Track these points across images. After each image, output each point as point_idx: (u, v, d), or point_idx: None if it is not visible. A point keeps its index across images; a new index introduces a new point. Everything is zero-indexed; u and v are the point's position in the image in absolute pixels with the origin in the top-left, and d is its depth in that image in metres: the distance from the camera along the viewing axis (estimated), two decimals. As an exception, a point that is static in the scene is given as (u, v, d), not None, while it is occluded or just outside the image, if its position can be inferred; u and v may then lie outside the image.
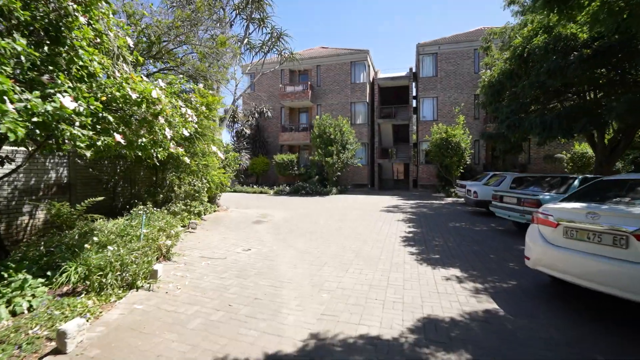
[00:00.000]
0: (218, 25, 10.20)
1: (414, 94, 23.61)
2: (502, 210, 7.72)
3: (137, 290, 3.88)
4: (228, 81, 8.77)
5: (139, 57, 4.78)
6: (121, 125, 3.90)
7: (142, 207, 6.52)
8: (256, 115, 23.33)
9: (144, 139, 4.01)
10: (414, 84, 23.41)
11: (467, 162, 17.43)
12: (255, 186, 21.46)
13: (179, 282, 4.27)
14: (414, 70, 24.07)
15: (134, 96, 3.83)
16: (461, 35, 22.14)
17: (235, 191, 20.82)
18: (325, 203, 14.56)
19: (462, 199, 15.76)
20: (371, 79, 24.58)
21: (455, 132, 16.79)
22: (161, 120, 4.36)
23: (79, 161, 6.94)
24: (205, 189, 7.53)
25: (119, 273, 3.78)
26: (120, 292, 3.71)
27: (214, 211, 10.78)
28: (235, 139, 22.11)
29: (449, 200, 15.97)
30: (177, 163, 7.41)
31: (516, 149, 11.93)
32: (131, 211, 6.38)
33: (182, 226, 7.58)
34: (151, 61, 7.70)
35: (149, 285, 3.95)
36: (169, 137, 4.26)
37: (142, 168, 8.16)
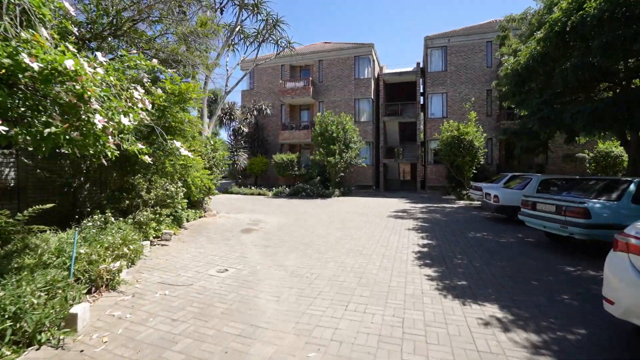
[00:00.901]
0: (205, 9, 9.03)
1: (422, 90, 22.28)
2: (536, 220, 6.43)
3: (37, 349, 2.67)
4: (210, 69, 7.58)
5: (69, 26, 3.59)
6: (16, 108, 2.70)
7: (98, 216, 5.33)
8: (255, 112, 22.16)
9: (53, 129, 2.81)
10: (421, 80, 22.07)
11: (481, 162, 16.07)
12: (253, 187, 20.30)
13: (110, 330, 3.06)
14: (421, 66, 22.76)
15: (34, 66, 2.63)
16: (472, 27, 20.77)
17: (231, 193, 19.69)
18: (326, 207, 13.33)
19: (477, 203, 14.45)
20: (376, 75, 23.30)
21: (468, 130, 15.45)
22: (94, 104, 3.17)
23: (25, 160, 5.78)
24: (182, 193, 6.34)
25: (10, 323, 2.57)
26: (9, 353, 2.50)
27: (200, 217, 9.60)
28: (232, 137, 20.97)
29: (461, 203, 14.65)
30: (146, 163, 6.23)
31: (541, 147, 10.61)
32: (83, 221, 5.19)
33: (154, 237, 6.40)
34: (116, 41, 6.55)
35: (58, 339, 2.74)
36: (99, 125, 3.05)
37: (115, 169, 7.00)
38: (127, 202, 6.15)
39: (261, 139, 23.31)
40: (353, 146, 18.32)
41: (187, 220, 8.85)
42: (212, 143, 9.72)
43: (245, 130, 21.17)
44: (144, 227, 5.84)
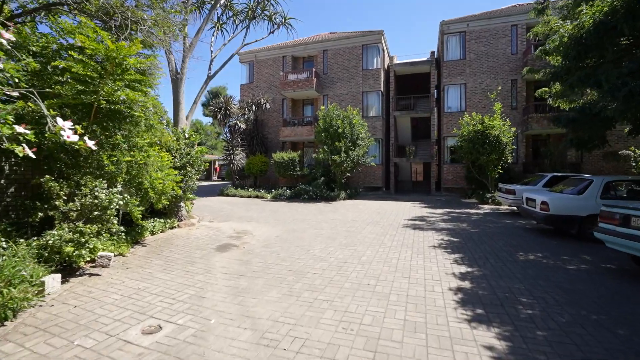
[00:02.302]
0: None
1: (437, 82, 20.17)
2: (628, 242, 4.40)
3: None
4: (169, 32, 5.73)
5: None
6: None
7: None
8: (254, 107, 20.35)
9: None
10: (435, 71, 19.96)
11: (509, 161, 13.96)
12: (250, 189, 18.49)
13: None
14: (436, 55, 20.68)
15: None
16: (494, 11, 18.62)
17: (227, 195, 17.91)
18: (329, 212, 11.40)
19: (504, 208, 12.34)
20: (386, 66, 21.27)
21: (494, 123, 13.37)
22: None
23: None
24: (119, 202, 4.50)
25: None
26: None
27: (172, 227, 7.77)
28: (229, 134, 19.19)
29: (486, 208, 12.57)
30: (64, 157, 4.41)
31: (599, 139, 8.50)
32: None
33: (85, 262, 4.56)
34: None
35: None
36: None
37: (29, 166, 5.18)
38: (41, 214, 4.32)
39: (260, 136, 21.49)
40: (361, 143, 16.36)
41: (153, 233, 7.03)
42: (187, 136, 7.88)
43: (243, 126, 19.36)
44: (56, 252, 4.00)
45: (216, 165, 45.31)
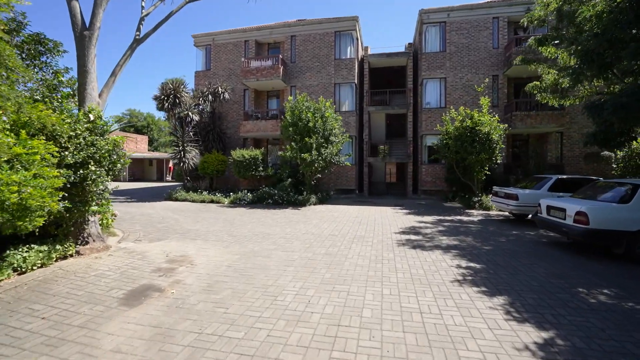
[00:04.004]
0: None
1: (414, 76, 18.72)
2: None
3: None
4: None
5: None
6: None
7: None
8: (210, 97, 17.50)
9: None
10: (412, 65, 18.50)
11: (499, 161, 12.67)
12: (205, 192, 15.72)
13: None
14: (414, 47, 19.24)
15: None
16: (475, 3, 17.53)
17: (176, 200, 15.00)
18: (300, 223, 9.19)
19: (495, 213, 10.90)
20: (360, 57, 19.49)
21: (484, 119, 11.99)
22: None
23: None
24: None
25: None
26: None
27: (64, 257, 5.10)
28: (178, 128, 16.21)
29: (476, 214, 11.10)
30: None
31: (624, 136, 7.28)
32: None
33: None
34: None
35: None
36: None
37: None
38: None
39: (218, 131, 18.66)
40: (334, 140, 14.32)
41: (21, 270, 4.37)
42: (92, 118, 5.24)
43: (196, 119, 16.46)
44: None
45: (170, 165, 41.15)
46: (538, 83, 11.46)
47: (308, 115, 13.57)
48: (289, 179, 15.39)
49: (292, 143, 13.85)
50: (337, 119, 14.53)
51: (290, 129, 13.81)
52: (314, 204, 13.95)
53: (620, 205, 5.56)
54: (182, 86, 16.10)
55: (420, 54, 17.46)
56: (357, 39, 18.63)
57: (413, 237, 7.41)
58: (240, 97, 19.62)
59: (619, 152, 13.71)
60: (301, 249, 6.23)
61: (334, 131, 14.31)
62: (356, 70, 18.15)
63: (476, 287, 4.24)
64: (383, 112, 19.53)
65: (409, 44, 19.26)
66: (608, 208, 5.60)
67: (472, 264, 5.27)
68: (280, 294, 3.94)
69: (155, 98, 15.51)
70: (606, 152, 14.39)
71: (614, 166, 13.75)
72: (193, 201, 14.69)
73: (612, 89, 10.51)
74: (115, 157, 5.41)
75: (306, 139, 13.39)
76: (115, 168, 5.43)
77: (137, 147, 36.56)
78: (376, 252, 6.06)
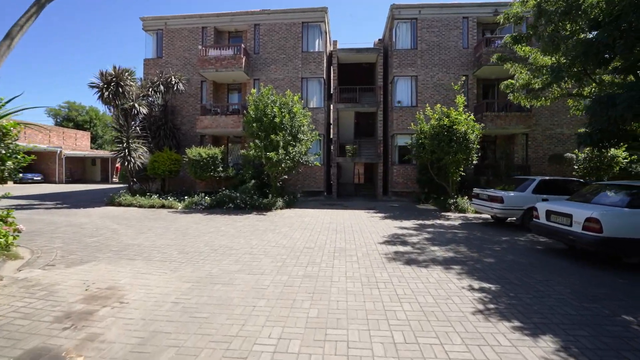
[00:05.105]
0: None
1: (384, 74, 18.10)
2: None
3: None
4: None
5: None
6: None
7: None
8: (161, 88, 15.39)
9: None
10: (383, 62, 17.87)
11: (474, 162, 12.29)
12: (155, 196, 13.71)
13: None
14: (384, 43, 18.61)
15: None
16: (446, 3, 17.30)
17: (119, 204, 12.85)
18: (268, 232, 7.87)
19: (473, 215, 10.40)
20: (328, 51, 18.49)
21: (461, 118, 11.53)
22: None
23: None
24: None
25: None
26: None
27: None
28: (122, 121, 13.93)
29: (454, 217, 10.53)
30: None
31: (624, 134, 6.99)
32: None
33: None
34: None
35: None
36: None
37: None
38: None
39: (171, 126, 16.57)
40: (303, 137, 13.10)
41: None
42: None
43: (144, 111, 14.35)
44: None
45: (118, 164, 37.21)
46: (512, 82, 11.23)
47: (274, 110, 12.22)
48: (253, 181, 13.93)
49: (256, 141, 12.41)
50: (306, 115, 13.34)
51: (254, 125, 12.35)
52: (281, 208, 12.64)
53: (633, 210, 5.00)
54: (126, 74, 13.88)
55: (391, 50, 16.86)
56: (326, 32, 17.61)
57: (401, 248, 6.44)
58: (197, 89, 17.66)
59: (580, 155, 14.12)
60: (273, 269, 4.95)
61: (302, 128, 13.10)
62: (325, 65, 17.11)
63: (507, 321, 3.29)
64: (352, 110, 18.71)
65: (378, 40, 18.63)
66: (621, 213, 5.01)
67: (483, 284, 4.36)
68: (251, 354, 2.66)
69: (93, 86, 13.15)
70: (569, 154, 14.77)
71: (576, 167, 14.11)
72: (140, 206, 12.66)
73: (586, 90, 10.52)
74: (2, 152, 3.73)
75: (272, 136, 12.02)
76: (2, 168, 3.74)
77: (76, 144, 32.42)
78: (365, 270, 4.96)
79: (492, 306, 3.66)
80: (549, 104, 11.51)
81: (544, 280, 4.55)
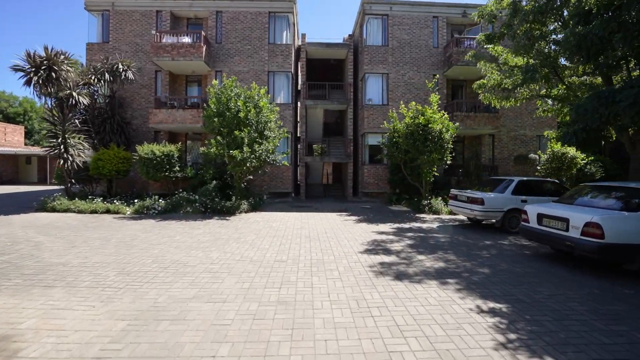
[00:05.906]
0: None
1: (354, 71, 17.54)
2: None
3: None
4: None
5: None
6: None
7: None
8: (107, 76, 13.49)
9: None
10: (353, 58, 17.32)
11: (449, 162, 12.02)
12: (100, 199, 11.91)
13: None
14: (355, 39, 18.05)
15: None
16: (417, 1, 17.07)
17: (53, 210, 10.94)
18: (231, 241, 6.80)
19: (448, 217, 10.06)
20: (296, 45, 17.56)
21: (436, 116, 11.19)
22: None
23: None
24: None
25: None
26: None
27: None
28: (57, 113, 11.90)
29: (430, 219, 10.14)
30: None
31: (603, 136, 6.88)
32: None
33: None
34: None
35: None
36: None
37: None
38: None
39: (119, 120, 14.65)
40: (270, 135, 12.06)
41: None
42: None
43: (85, 102, 12.42)
44: None
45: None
46: (485, 82, 11.12)
47: (238, 103, 11.06)
48: (214, 182, 12.61)
49: (218, 137, 11.18)
50: (274, 110, 12.31)
51: (216, 119, 11.09)
52: (246, 212, 11.51)
53: (633, 214, 4.69)
54: (62, 57, 11.91)
55: (361, 46, 16.33)
56: (294, 25, 16.67)
57: (385, 258, 5.72)
58: (150, 80, 15.86)
59: (542, 155, 14.52)
60: (238, 293, 3.97)
61: (269, 124, 12.06)
62: (293, 59, 16.16)
63: (540, 359, 2.63)
64: (321, 108, 17.94)
65: (348, 35, 18.07)
66: (622, 218, 4.68)
67: (490, 304, 3.74)
68: None
69: (18, 69, 11.05)
70: (532, 155, 15.18)
71: (538, 167, 14.49)
72: (80, 212, 10.85)
73: (554, 92, 10.64)
74: None
75: (236, 132, 10.86)
76: None
77: (6, 139, 28.39)
78: (352, 290, 4.15)
79: (513, 336, 3.00)
80: (518, 104, 11.58)
81: (553, 295, 4.03)
